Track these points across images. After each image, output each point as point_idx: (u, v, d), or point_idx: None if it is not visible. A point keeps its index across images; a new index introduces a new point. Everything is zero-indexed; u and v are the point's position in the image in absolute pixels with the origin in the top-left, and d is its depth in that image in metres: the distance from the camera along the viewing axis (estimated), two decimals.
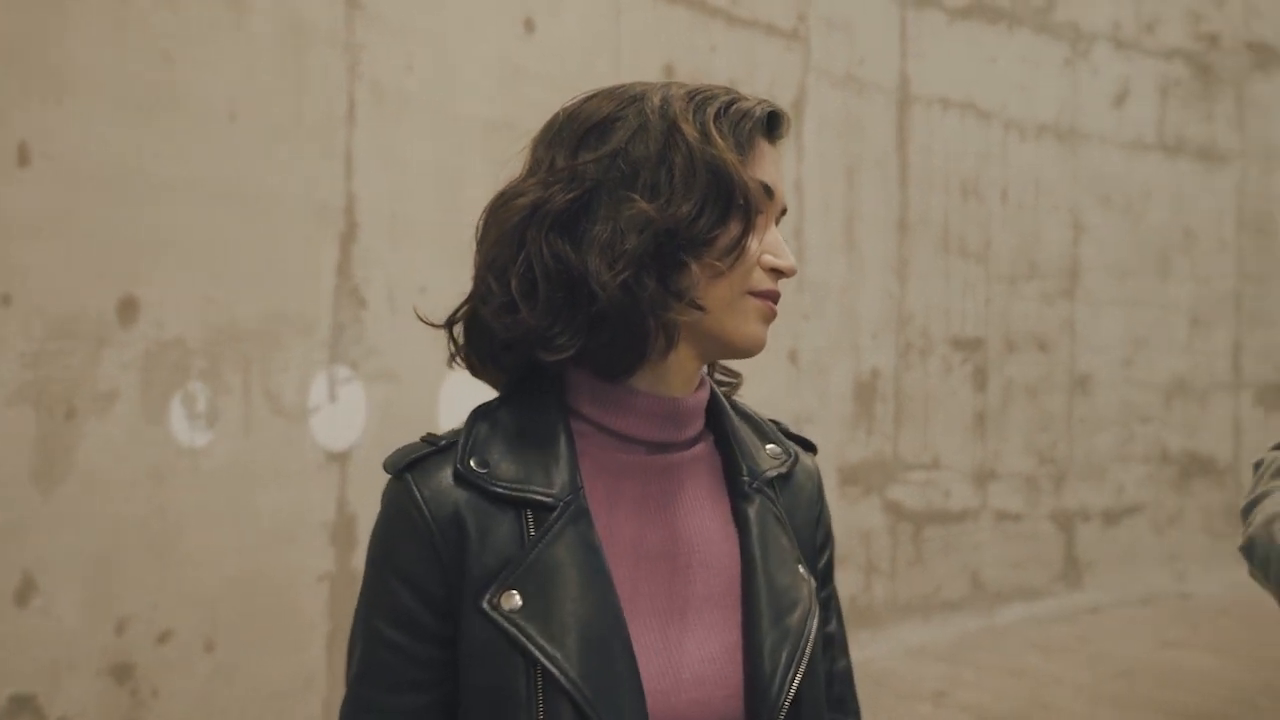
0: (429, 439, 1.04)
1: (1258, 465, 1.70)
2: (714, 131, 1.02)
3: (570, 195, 1.01)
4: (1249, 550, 1.59)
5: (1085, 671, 5.17)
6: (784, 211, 1.10)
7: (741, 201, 1.02)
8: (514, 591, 0.96)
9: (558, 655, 0.95)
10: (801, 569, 1.11)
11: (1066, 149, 6.49)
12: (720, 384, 1.17)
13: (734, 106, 1.05)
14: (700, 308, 1.02)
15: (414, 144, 3.54)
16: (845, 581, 5.44)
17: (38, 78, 2.61)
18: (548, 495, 1.00)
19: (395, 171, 3.47)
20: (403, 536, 1.00)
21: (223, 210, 3.02)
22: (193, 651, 2.93)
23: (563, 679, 0.95)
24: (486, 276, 1.03)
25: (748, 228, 1.03)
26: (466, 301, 1.07)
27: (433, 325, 1.08)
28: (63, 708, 2.63)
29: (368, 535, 3.28)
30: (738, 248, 1.02)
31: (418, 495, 1.00)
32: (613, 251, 0.99)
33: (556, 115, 1.08)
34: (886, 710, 4.64)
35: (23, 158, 2.59)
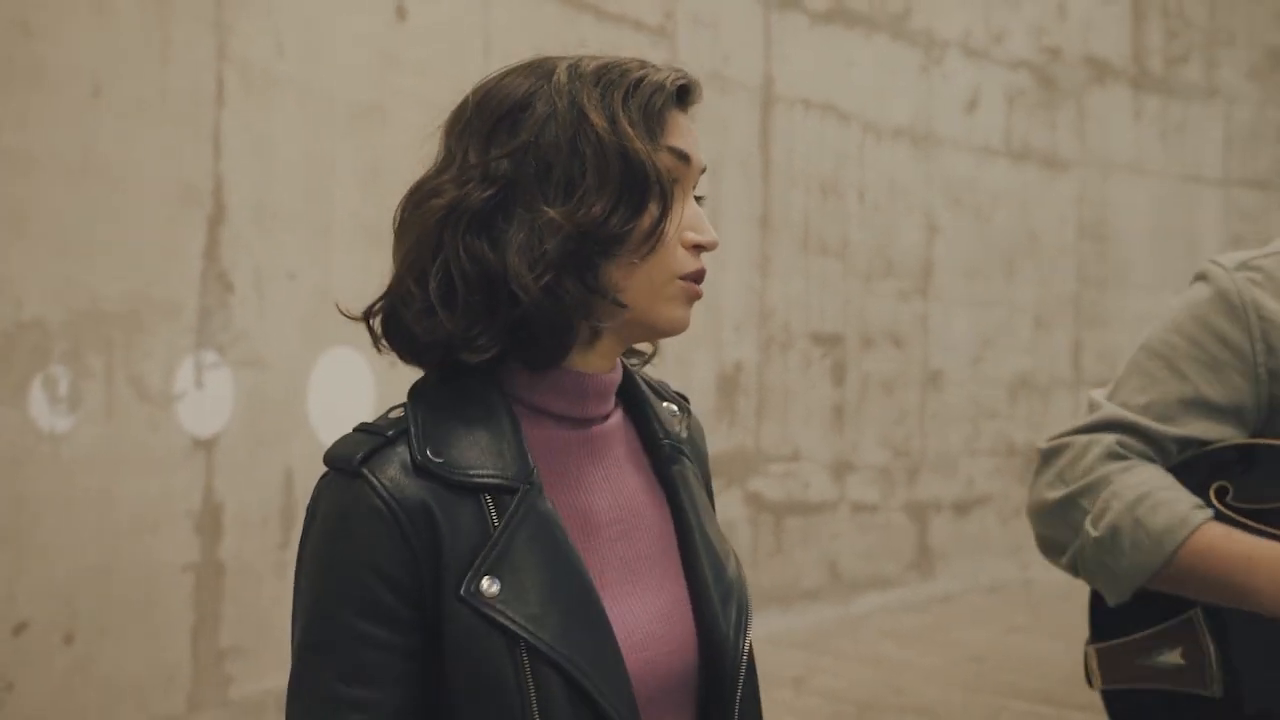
0: (369, 428, 1.02)
1: (1050, 454, 1.60)
2: (622, 117, 1.02)
3: (486, 194, 1.01)
4: (1113, 536, 1.49)
5: (937, 657, 5.35)
6: (703, 170, 1.09)
7: (656, 189, 1.02)
8: (491, 578, 0.97)
9: (543, 634, 0.96)
10: (716, 520, 1.17)
11: (921, 152, 6.71)
12: (633, 357, 1.19)
13: (643, 84, 1.04)
14: (623, 305, 1.03)
15: (284, 127, 3.48)
16: None
17: None
18: (506, 479, 1.00)
19: (264, 154, 3.40)
20: (371, 532, 0.97)
21: (85, 188, 2.93)
22: (51, 643, 2.84)
23: (554, 654, 0.96)
24: (405, 279, 1.02)
25: (664, 213, 1.03)
26: (384, 297, 1.05)
27: (351, 317, 1.07)
28: None
29: (234, 524, 3.19)
30: (654, 235, 1.02)
31: (381, 489, 0.98)
32: (532, 254, 0.99)
33: (466, 100, 1.07)
34: None
35: None
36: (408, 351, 1.05)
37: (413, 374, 1.08)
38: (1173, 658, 1.55)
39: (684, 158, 1.06)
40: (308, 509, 1.02)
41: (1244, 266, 1.55)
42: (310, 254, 3.49)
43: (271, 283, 3.40)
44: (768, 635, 5.65)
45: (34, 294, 2.80)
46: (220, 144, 3.30)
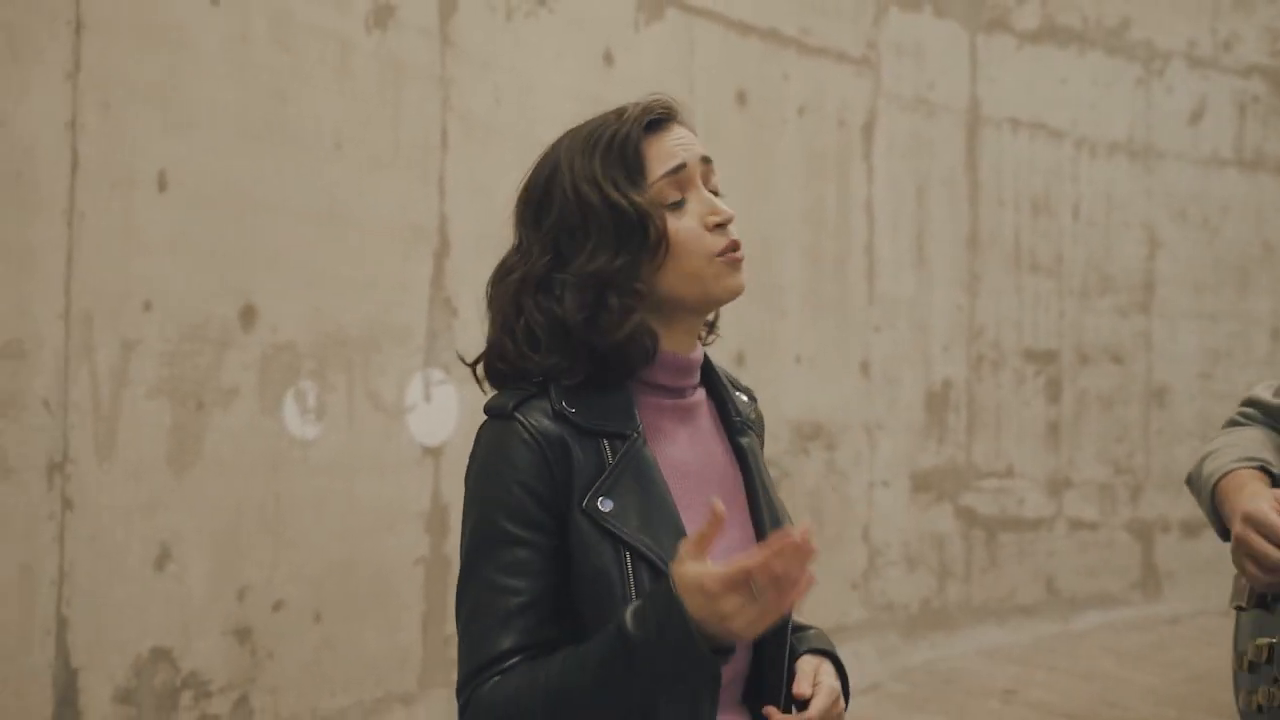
0: (518, 386, 1.38)
1: None
2: (600, 176, 1.36)
3: (544, 261, 1.37)
4: (1189, 482, 1.91)
5: (1157, 676, 5.28)
6: (706, 160, 1.40)
7: (649, 220, 1.34)
8: (605, 499, 1.32)
9: (644, 540, 1.31)
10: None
11: (1140, 166, 6.62)
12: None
13: (615, 138, 1.37)
14: (641, 294, 1.35)
15: (500, 170, 3.88)
16: (918, 584, 5.63)
17: (174, 114, 3.01)
18: (621, 429, 1.35)
19: (483, 195, 3.81)
20: (522, 458, 1.33)
21: (330, 229, 3.39)
22: (303, 621, 3.29)
23: (649, 553, 1.30)
24: (501, 335, 1.39)
25: (665, 229, 1.36)
26: (486, 352, 1.42)
27: (467, 364, 1.47)
28: (193, 662, 3.00)
29: (459, 525, 3.57)
30: (662, 246, 1.36)
31: (530, 425, 1.33)
32: (576, 299, 1.34)
33: (518, 195, 1.44)
34: (956, 705, 4.83)
35: (162, 184, 2.98)
36: (513, 382, 1.40)
37: None
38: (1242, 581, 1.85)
39: (676, 170, 1.38)
40: (472, 451, 1.39)
41: None
42: None
43: None
44: (981, 648, 5.69)
45: (288, 320, 3.28)
46: (445, 187, 3.73)
